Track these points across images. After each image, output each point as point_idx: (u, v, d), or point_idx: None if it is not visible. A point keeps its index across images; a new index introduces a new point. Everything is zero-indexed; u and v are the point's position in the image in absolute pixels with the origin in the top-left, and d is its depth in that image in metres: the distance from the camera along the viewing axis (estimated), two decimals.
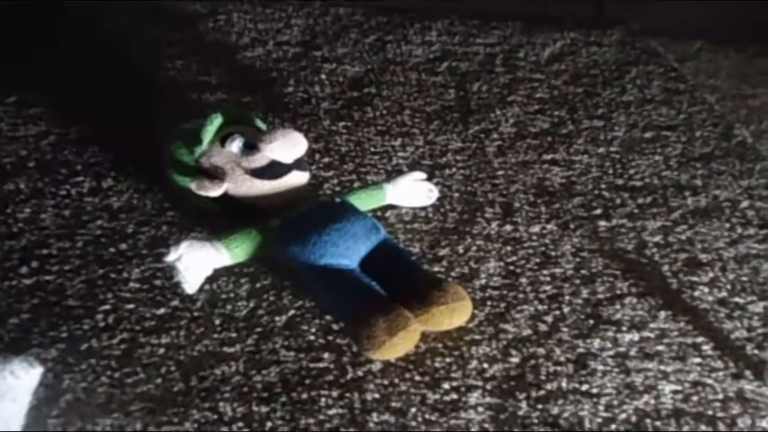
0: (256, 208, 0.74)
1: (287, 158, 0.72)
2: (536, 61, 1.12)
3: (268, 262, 0.72)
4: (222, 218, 0.75)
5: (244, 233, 0.70)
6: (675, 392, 0.63)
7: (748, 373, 0.66)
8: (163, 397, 0.60)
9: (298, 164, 0.74)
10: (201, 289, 0.68)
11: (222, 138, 0.74)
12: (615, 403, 0.62)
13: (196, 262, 0.65)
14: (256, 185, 0.73)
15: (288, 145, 0.71)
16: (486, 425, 0.59)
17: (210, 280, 0.69)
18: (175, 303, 0.68)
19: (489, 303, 0.70)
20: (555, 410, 0.60)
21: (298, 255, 0.68)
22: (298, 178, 0.75)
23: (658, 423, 0.60)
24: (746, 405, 0.63)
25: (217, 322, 0.67)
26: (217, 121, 0.74)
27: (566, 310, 0.70)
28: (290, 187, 0.74)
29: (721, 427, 0.61)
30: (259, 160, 0.72)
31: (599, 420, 0.60)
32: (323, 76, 1.06)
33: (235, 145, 0.73)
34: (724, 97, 1.08)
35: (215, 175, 0.73)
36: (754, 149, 0.95)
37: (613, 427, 0.60)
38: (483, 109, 1.00)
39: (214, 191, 0.72)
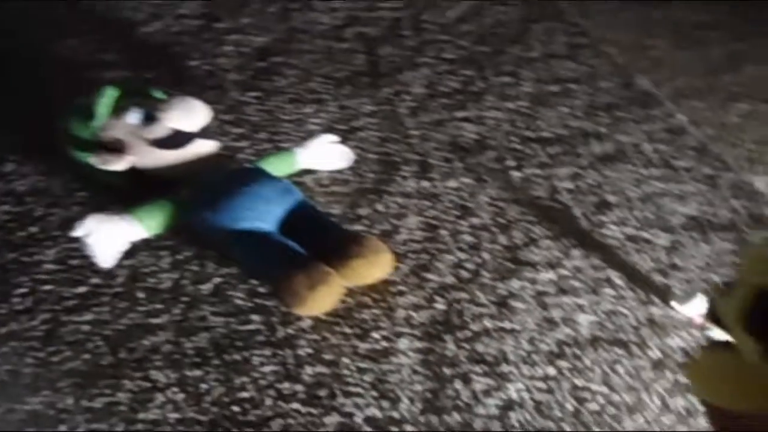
0: (166, 179, 0.77)
1: (189, 126, 0.75)
2: (443, 23, 1.19)
3: (189, 234, 0.75)
4: (134, 194, 0.76)
5: (155, 204, 0.73)
6: (591, 322, 0.72)
7: (656, 299, 0.75)
8: (93, 372, 0.63)
9: (203, 133, 0.77)
10: (121, 265, 0.71)
11: (119, 110, 0.76)
12: (536, 336, 0.69)
13: (106, 236, 0.68)
14: (161, 156, 0.75)
15: (188, 114, 0.74)
16: (417, 367, 0.65)
17: (129, 255, 0.72)
18: (96, 281, 0.70)
19: (412, 255, 0.76)
20: (481, 348, 0.68)
21: (213, 221, 0.71)
22: (205, 146, 0.78)
23: (577, 350, 0.69)
24: (655, 328, 0.72)
25: (142, 295, 0.70)
26: (110, 93, 0.76)
27: (486, 256, 0.77)
28: (197, 156, 0.77)
29: (635, 349, 0.70)
30: (161, 130, 0.75)
31: (522, 353, 0.68)
32: (228, 48, 1.08)
33: (134, 117, 0.75)
34: (625, 49, 1.18)
35: (117, 148, 0.75)
36: (654, 96, 1.06)
37: (536, 358, 0.67)
38: (393, 72, 1.06)
39: (117, 164, 0.74)
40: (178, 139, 0.75)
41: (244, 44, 1.09)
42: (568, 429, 0.62)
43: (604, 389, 0.66)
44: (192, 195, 0.74)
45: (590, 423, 0.63)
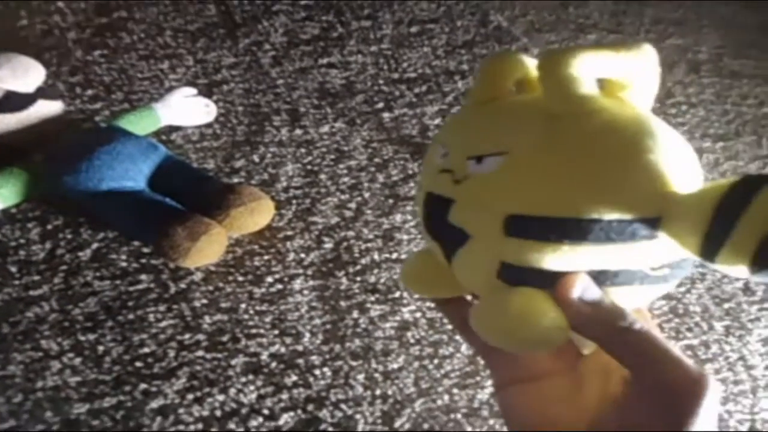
0: (14, 146, 0.79)
1: (23, 87, 0.77)
2: None
3: (56, 203, 0.79)
4: None
5: (5, 173, 0.75)
6: None
7: None
8: None
9: (42, 93, 0.80)
10: None
11: None
12: None
13: None
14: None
15: (19, 72, 0.76)
16: (314, 303, 0.74)
17: None
18: None
19: (294, 201, 0.85)
20: (372, 279, 0.78)
21: (74, 185, 0.75)
22: (48, 107, 0.80)
23: None
24: None
25: (14, 269, 0.73)
26: None
27: (367, 195, 0.87)
28: (42, 118, 0.80)
29: None
30: None
31: None
32: (61, 5, 1.10)
33: None
34: None
35: None
36: (510, 32, 1.20)
37: None
38: (249, 21, 1.12)
39: None
40: (15, 102, 0.77)
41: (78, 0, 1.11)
42: (459, 338, 0.74)
43: None
44: (47, 160, 0.77)
45: None
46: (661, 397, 0.32)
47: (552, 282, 0.34)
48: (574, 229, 0.32)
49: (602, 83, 0.36)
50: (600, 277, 0.33)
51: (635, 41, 0.36)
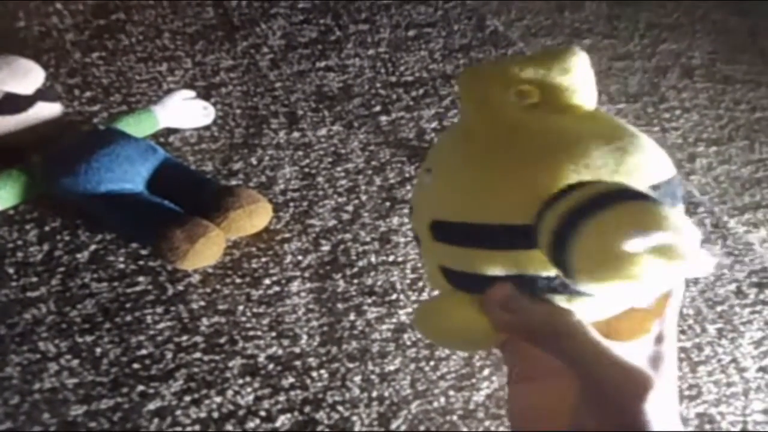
0: (12, 148, 0.78)
1: (23, 89, 0.77)
2: None
3: (54, 205, 0.79)
4: None
5: (3, 175, 0.75)
6: None
7: None
8: None
9: (42, 95, 0.79)
10: None
11: None
12: (418, 265, 0.80)
13: None
14: None
15: (18, 74, 0.76)
16: (311, 306, 0.74)
17: None
18: None
19: (292, 204, 0.84)
20: (369, 281, 0.77)
21: (73, 186, 0.74)
22: (47, 109, 0.80)
23: None
24: None
25: (11, 271, 0.73)
26: None
27: (364, 198, 0.87)
28: (41, 121, 0.80)
29: None
30: None
31: (408, 281, 0.78)
32: (59, 6, 1.09)
33: None
34: None
35: None
36: (506, 36, 1.20)
37: (421, 284, 0.78)
38: (247, 24, 1.12)
39: None
40: (14, 104, 0.77)
41: (76, 2, 1.11)
42: None
43: None
44: (45, 162, 0.77)
45: None
46: (603, 399, 0.32)
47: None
48: (473, 233, 0.34)
49: (544, 90, 0.37)
50: (522, 284, 0.34)
51: (565, 47, 0.37)
